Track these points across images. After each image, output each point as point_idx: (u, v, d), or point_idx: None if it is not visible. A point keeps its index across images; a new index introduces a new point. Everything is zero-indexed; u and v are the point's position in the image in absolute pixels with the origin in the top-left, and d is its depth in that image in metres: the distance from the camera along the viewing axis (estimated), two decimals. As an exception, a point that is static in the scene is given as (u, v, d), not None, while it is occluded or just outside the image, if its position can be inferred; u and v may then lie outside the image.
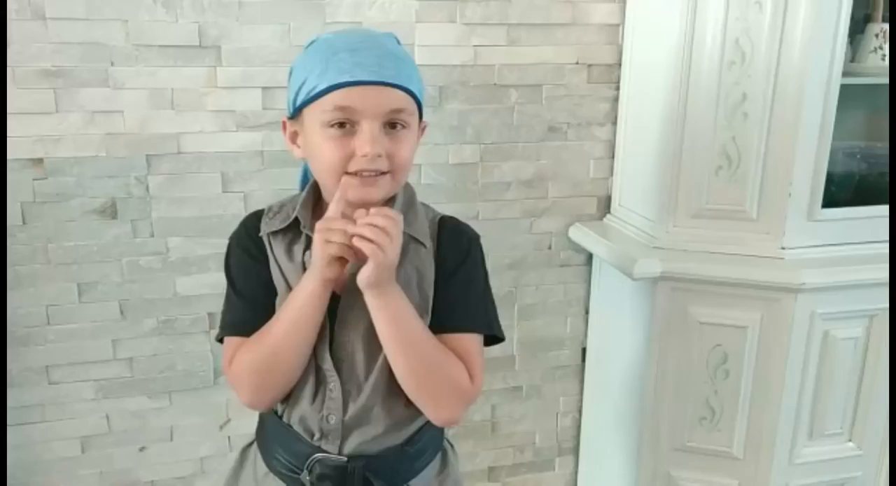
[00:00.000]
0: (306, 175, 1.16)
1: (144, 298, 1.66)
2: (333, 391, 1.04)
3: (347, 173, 0.97)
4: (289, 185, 1.65)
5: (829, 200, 1.58)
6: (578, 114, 1.81)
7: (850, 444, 1.70)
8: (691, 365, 1.63)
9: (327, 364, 1.03)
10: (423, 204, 1.11)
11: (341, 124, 0.96)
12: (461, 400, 1.04)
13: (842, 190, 1.66)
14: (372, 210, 0.94)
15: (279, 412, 1.09)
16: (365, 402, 1.04)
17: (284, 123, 1.06)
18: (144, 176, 1.59)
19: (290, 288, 1.03)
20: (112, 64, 1.51)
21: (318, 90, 0.96)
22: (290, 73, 1.03)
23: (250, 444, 1.19)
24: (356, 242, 0.93)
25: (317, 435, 1.06)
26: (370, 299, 0.97)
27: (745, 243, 1.58)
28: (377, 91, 0.96)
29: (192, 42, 1.54)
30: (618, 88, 1.81)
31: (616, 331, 1.82)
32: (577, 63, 1.77)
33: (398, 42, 1.05)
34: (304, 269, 1.02)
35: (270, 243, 1.06)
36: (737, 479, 1.67)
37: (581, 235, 1.84)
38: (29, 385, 1.64)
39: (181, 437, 1.77)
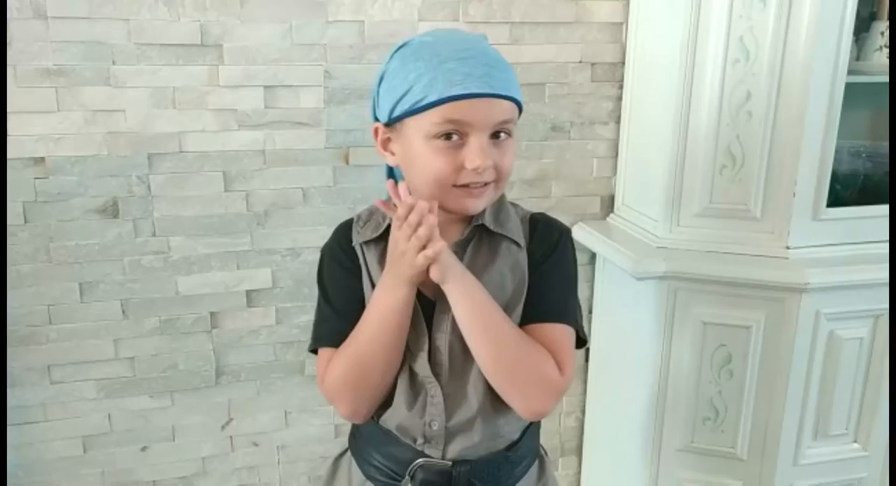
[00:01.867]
0: (392, 178, 1.13)
1: (146, 297, 1.65)
2: (435, 398, 1.02)
3: (455, 186, 0.96)
4: (290, 183, 1.66)
5: (834, 200, 1.57)
6: (582, 113, 1.80)
7: (856, 445, 1.68)
8: (695, 365, 1.62)
9: (425, 371, 1.02)
10: (513, 203, 1.10)
11: (447, 136, 0.94)
12: (550, 391, 1.00)
13: (847, 189, 1.65)
14: (399, 211, 0.94)
15: (376, 418, 1.07)
16: (469, 407, 1.03)
17: (377, 129, 1.02)
18: (146, 175, 1.59)
19: None
20: (114, 63, 1.51)
21: (427, 101, 0.93)
22: (382, 78, 0.99)
23: (343, 453, 1.18)
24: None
25: (419, 440, 1.04)
26: (447, 290, 0.96)
27: (750, 243, 1.57)
28: (487, 103, 0.93)
29: (194, 41, 1.54)
30: (621, 87, 1.80)
31: (620, 331, 1.82)
32: (580, 62, 1.77)
33: (487, 41, 1.02)
34: None
35: (363, 253, 1.05)
36: (741, 480, 1.66)
37: (584, 234, 1.83)
38: (30, 385, 1.64)
39: (183, 437, 1.77)
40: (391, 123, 0.98)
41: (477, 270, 1.01)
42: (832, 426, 1.65)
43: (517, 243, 1.04)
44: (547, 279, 1.03)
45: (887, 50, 1.67)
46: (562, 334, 1.02)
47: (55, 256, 1.58)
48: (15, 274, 1.57)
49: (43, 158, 1.53)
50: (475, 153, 0.93)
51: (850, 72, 1.49)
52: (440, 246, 0.92)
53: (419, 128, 0.95)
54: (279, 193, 1.66)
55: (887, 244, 1.57)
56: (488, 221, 1.03)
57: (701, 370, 1.63)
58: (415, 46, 0.97)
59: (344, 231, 1.08)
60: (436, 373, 1.02)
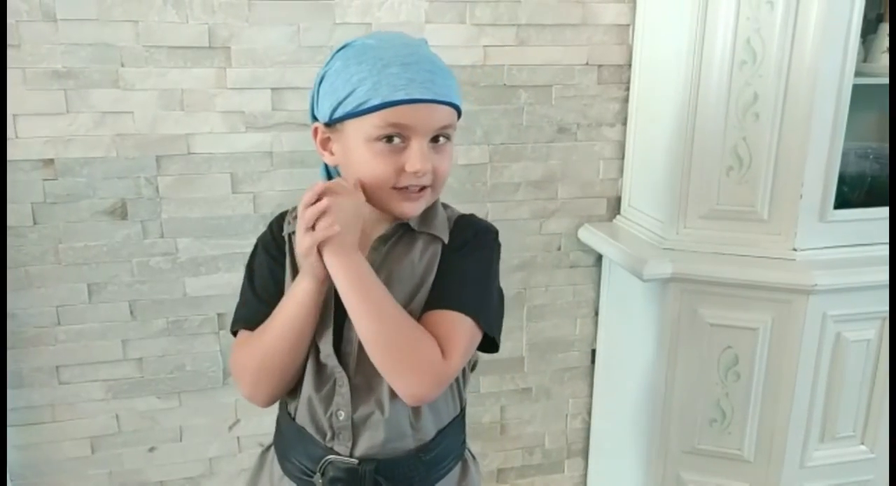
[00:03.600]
0: (329, 177, 1.14)
1: (154, 298, 1.66)
2: (342, 387, 1.03)
3: (394, 188, 0.98)
4: (297, 185, 1.66)
5: (841, 201, 1.57)
6: (588, 114, 1.80)
7: (862, 447, 1.68)
8: (702, 367, 1.62)
9: (332, 360, 1.02)
10: (445, 205, 1.11)
11: (389, 139, 0.96)
12: (428, 375, 0.97)
13: (854, 191, 1.65)
14: (305, 196, 0.95)
15: (292, 414, 1.09)
16: (376, 401, 1.03)
17: (316, 129, 1.03)
18: (154, 177, 1.59)
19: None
20: (122, 65, 1.52)
21: (369, 105, 0.94)
22: (323, 79, 1.00)
23: (269, 447, 1.19)
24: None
25: (328, 435, 1.05)
26: (327, 259, 0.95)
27: (756, 245, 1.57)
28: (429, 109, 0.96)
29: (202, 43, 1.54)
30: (628, 89, 1.80)
31: (626, 333, 1.82)
32: (586, 64, 1.77)
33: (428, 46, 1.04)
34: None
35: (290, 244, 1.07)
36: (747, 482, 1.66)
37: (590, 236, 1.83)
38: (39, 385, 1.65)
39: (190, 437, 1.78)
40: (332, 123, 1.00)
41: (391, 261, 1.03)
42: (839, 428, 1.65)
43: (438, 238, 1.05)
44: (451, 270, 1.03)
45: (894, 52, 1.67)
46: (454, 320, 1.00)
47: (64, 257, 1.59)
48: (23, 275, 1.58)
49: (52, 160, 1.54)
50: (416, 157, 0.96)
51: (857, 73, 1.49)
52: (321, 235, 0.93)
53: (360, 130, 0.96)
54: (286, 194, 1.67)
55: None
56: (413, 221, 1.04)
57: (707, 372, 1.62)
58: (358, 48, 0.98)
59: (278, 221, 1.11)
60: (343, 363, 1.02)
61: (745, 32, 1.48)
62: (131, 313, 1.66)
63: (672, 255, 1.60)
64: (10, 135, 1.50)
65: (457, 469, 1.14)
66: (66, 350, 1.65)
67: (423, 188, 0.99)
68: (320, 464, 1.06)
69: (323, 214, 0.93)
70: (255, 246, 1.12)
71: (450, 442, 1.11)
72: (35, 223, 1.56)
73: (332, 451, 1.05)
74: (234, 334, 1.09)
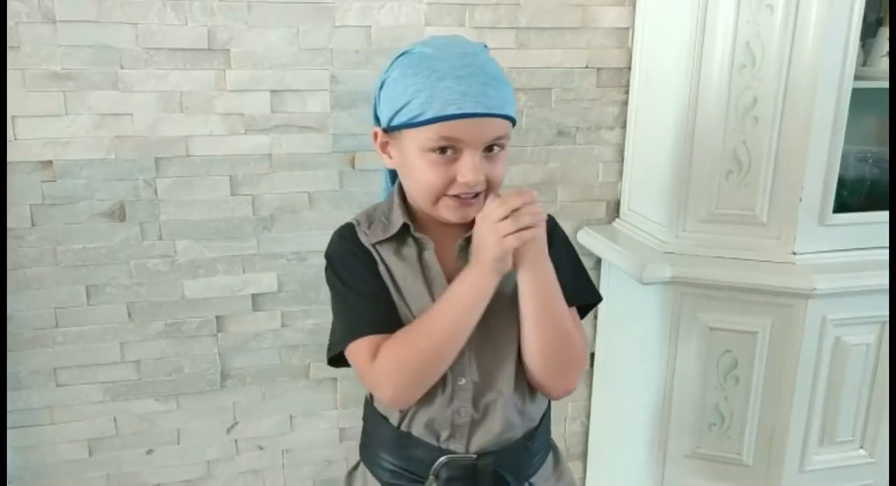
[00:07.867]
0: (392, 180, 1.17)
1: (152, 300, 1.66)
2: (465, 385, 1.04)
3: (447, 196, 1.00)
4: (296, 188, 1.66)
5: (841, 205, 1.57)
6: (588, 118, 1.80)
7: (862, 451, 1.68)
8: (701, 371, 1.62)
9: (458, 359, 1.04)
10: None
11: (442, 150, 0.98)
12: (581, 370, 1.09)
13: (853, 195, 1.65)
14: (506, 194, 0.98)
15: (396, 423, 1.09)
16: (497, 392, 1.05)
17: (376, 134, 1.06)
18: (153, 179, 1.59)
19: (398, 290, 1.06)
20: (121, 67, 1.52)
21: (423, 118, 0.97)
22: (383, 85, 1.02)
23: (355, 467, 1.20)
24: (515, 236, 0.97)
25: (444, 435, 1.06)
26: (524, 273, 1.01)
27: (756, 248, 1.57)
28: (482, 123, 0.97)
29: (202, 45, 1.54)
30: (627, 92, 1.80)
31: (625, 336, 1.82)
32: (586, 67, 1.77)
33: (487, 50, 1.04)
34: (421, 268, 1.06)
35: (378, 252, 1.07)
36: (747, 486, 1.66)
37: (590, 239, 1.83)
38: (37, 387, 1.65)
39: (188, 440, 1.77)
40: (389, 130, 1.03)
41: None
42: (838, 432, 1.64)
43: None
44: (557, 266, 1.05)
45: (894, 56, 1.67)
46: (573, 315, 1.09)
47: (62, 259, 1.59)
48: (22, 277, 1.58)
49: (51, 162, 1.53)
50: (467, 169, 0.98)
51: (857, 77, 1.49)
52: (533, 232, 0.97)
53: (415, 140, 0.99)
54: (285, 197, 1.66)
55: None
56: None
57: (707, 376, 1.62)
58: (415, 57, 1.00)
59: (351, 233, 1.11)
60: (462, 361, 1.04)
61: (745, 36, 1.48)
62: (129, 315, 1.66)
63: (671, 258, 1.60)
64: (9, 137, 1.50)
65: (550, 457, 1.17)
66: (64, 352, 1.64)
67: (476, 195, 1.01)
68: (435, 466, 1.06)
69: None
70: (334, 261, 1.10)
71: (546, 430, 1.16)
72: (33, 225, 1.56)
73: (446, 451, 1.06)
74: (341, 349, 1.05)
